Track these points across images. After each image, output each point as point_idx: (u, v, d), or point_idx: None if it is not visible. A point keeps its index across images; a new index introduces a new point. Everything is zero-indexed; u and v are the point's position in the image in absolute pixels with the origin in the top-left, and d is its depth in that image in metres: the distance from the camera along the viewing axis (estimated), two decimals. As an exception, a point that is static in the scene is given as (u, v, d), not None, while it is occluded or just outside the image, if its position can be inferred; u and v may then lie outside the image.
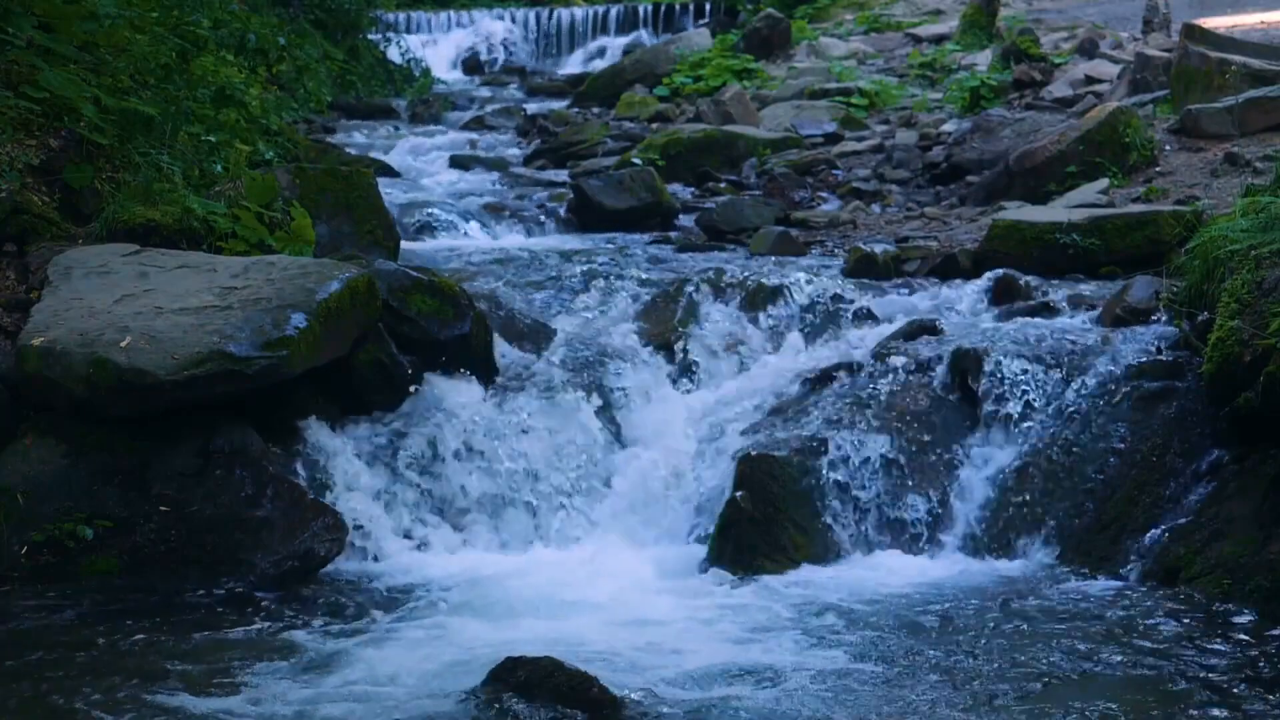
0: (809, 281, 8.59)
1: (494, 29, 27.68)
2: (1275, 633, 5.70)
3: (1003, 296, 8.55)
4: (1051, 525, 6.81)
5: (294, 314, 6.78)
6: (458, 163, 15.08)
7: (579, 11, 27.85)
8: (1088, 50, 17.22)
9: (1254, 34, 15.45)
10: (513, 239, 11.27)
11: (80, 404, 6.51)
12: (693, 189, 12.89)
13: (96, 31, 8.59)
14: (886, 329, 8.19)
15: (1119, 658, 5.52)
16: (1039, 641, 5.71)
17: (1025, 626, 5.89)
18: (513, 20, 27.91)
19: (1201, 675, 5.33)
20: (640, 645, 5.69)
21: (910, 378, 7.47)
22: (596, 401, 7.67)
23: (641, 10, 27.66)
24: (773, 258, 9.98)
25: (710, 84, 18.83)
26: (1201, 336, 6.97)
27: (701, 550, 6.84)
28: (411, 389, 7.48)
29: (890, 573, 6.63)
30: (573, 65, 26.09)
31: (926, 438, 7.22)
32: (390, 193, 11.27)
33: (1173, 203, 9.98)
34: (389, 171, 13.88)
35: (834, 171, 13.21)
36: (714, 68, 19.62)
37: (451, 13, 28.34)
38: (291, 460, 6.95)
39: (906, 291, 9.00)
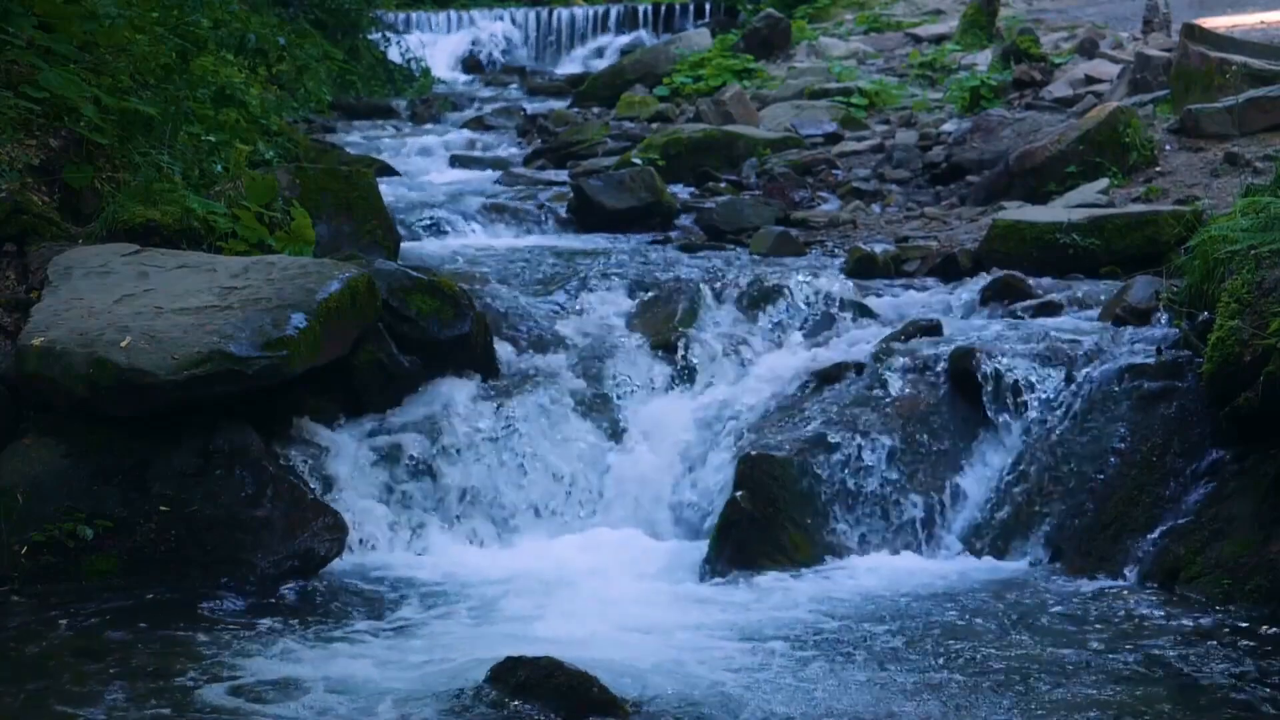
0: (809, 281, 8.60)
1: (494, 29, 27.65)
2: (1275, 633, 5.70)
3: (1003, 296, 8.56)
4: (1051, 525, 6.80)
5: (294, 314, 6.78)
6: (458, 162, 15.08)
7: (579, 11, 27.83)
8: (1088, 50, 17.20)
9: (1254, 34, 15.43)
10: (513, 239, 11.26)
11: (80, 404, 6.51)
12: (693, 189, 12.88)
13: (96, 31, 8.58)
14: (886, 329, 8.19)
15: (1119, 658, 5.52)
16: (1039, 642, 5.71)
17: (1025, 627, 5.88)
18: (513, 20, 27.88)
19: (1201, 676, 5.33)
20: (640, 645, 5.68)
21: (910, 378, 7.47)
22: (596, 401, 7.67)
23: (641, 10, 27.63)
24: (773, 258, 9.99)
25: (710, 84, 18.81)
26: (1201, 336, 6.97)
27: (701, 550, 6.84)
28: (411, 389, 7.48)
29: (890, 573, 6.63)
30: (573, 65, 26.06)
31: (926, 438, 7.21)
32: (390, 193, 11.28)
33: (1173, 203, 9.99)
34: (389, 171, 13.90)
35: (834, 171, 13.20)
36: (714, 68, 19.61)
37: (451, 13, 28.31)
38: (291, 460, 6.96)
39: (907, 291, 9.00)
